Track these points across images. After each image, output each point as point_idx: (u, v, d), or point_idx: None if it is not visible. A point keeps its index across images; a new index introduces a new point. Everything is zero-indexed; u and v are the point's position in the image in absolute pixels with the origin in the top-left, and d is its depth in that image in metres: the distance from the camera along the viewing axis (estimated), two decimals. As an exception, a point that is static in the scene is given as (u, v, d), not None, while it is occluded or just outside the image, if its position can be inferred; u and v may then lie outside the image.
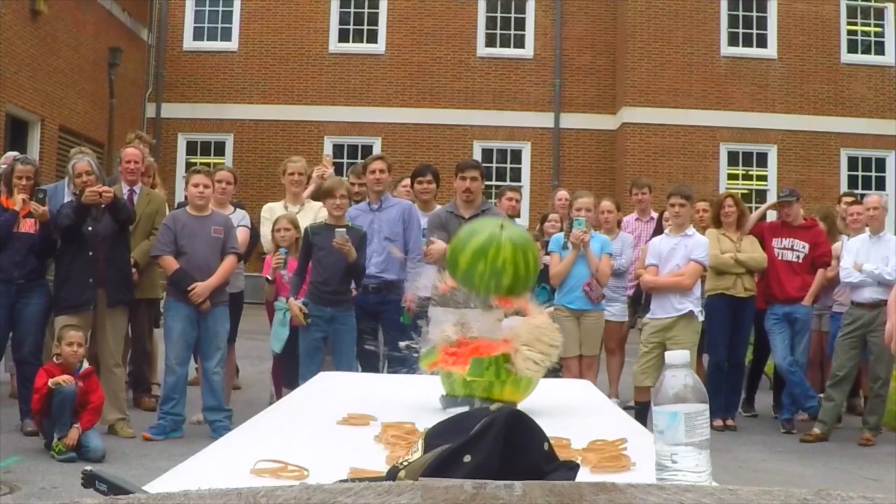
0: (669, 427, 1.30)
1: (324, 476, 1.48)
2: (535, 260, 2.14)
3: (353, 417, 2.17)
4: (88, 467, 1.42)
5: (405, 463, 1.30)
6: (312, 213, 6.97)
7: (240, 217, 7.05)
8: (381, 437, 1.94)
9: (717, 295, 7.35)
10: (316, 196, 7.25)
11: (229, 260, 6.31)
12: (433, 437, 1.34)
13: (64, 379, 5.49)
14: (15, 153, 7.29)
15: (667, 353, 1.37)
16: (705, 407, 1.32)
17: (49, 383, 5.44)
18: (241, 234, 6.78)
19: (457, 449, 1.23)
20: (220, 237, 6.30)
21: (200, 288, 6.12)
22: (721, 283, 7.36)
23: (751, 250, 7.45)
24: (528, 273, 2.10)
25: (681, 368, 1.33)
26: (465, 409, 2.25)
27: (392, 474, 1.29)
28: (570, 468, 1.37)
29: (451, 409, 2.31)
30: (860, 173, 17.25)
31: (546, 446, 1.34)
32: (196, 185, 6.26)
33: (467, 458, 1.21)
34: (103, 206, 6.09)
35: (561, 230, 7.25)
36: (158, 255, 6.30)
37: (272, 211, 7.09)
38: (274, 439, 1.92)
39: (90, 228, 6.13)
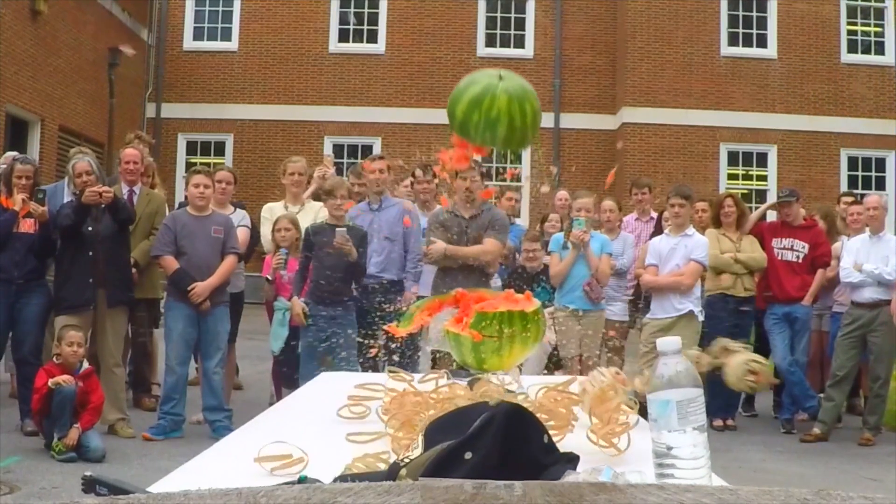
0: (662, 414, 1.30)
1: (326, 465, 1.48)
2: (535, 112, 2.04)
3: (360, 389, 2.20)
4: (88, 472, 1.42)
5: (406, 460, 1.30)
6: (313, 213, 6.98)
7: (240, 217, 7.05)
8: (386, 406, 1.96)
9: (717, 295, 7.36)
10: (317, 196, 7.25)
11: (229, 260, 6.31)
12: (433, 431, 1.34)
13: (64, 379, 5.49)
14: (14, 153, 7.29)
15: (658, 340, 1.36)
16: (699, 392, 1.31)
17: (49, 383, 5.44)
18: (242, 234, 6.78)
19: (458, 446, 1.23)
20: (220, 237, 6.30)
21: (200, 288, 6.12)
22: (721, 283, 7.36)
23: (750, 250, 7.45)
24: (525, 125, 2.05)
25: (672, 355, 1.32)
26: (468, 381, 2.27)
27: (393, 471, 1.29)
28: (570, 460, 1.37)
29: (455, 381, 2.32)
30: (860, 173, 17.25)
31: (546, 439, 1.34)
32: (196, 186, 6.26)
33: (468, 455, 1.21)
34: (103, 206, 6.09)
35: (561, 230, 7.25)
36: (159, 255, 6.31)
37: (272, 211, 7.10)
38: (276, 436, 1.93)
39: (90, 228, 6.13)
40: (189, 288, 6.11)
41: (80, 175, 6.22)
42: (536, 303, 2.35)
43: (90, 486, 1.39)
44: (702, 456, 1.29)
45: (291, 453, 1.59)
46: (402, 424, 1.79)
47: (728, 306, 7.34)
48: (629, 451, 1.76)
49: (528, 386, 2.26)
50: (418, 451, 1.31)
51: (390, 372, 2.21)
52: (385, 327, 2.50)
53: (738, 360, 2.27)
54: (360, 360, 6.19)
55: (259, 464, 1.58)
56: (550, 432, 1.44)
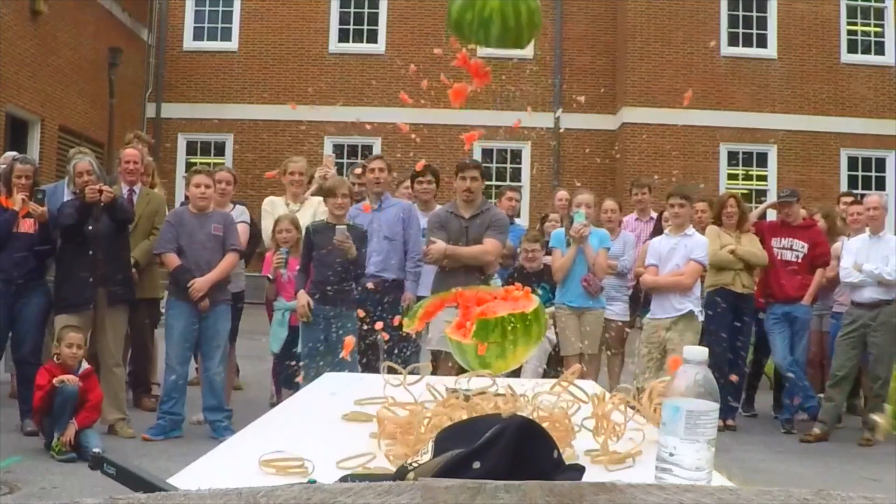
0: (671, 420, 1.30)
1: (329, 472, 1.48)
2: (531, 12, 1.97)
3: (357, 413, 2.19)
4: (97, 449, 1.43)
5: (414, 464, 1.30)
6: (312, 209, 7.00)
7: (239, 212, 7.07)
8: (381, 432, 1.94)
9: (716, 290, 7.31)
10: (317, 195, 7.26)
11: (229, 257, 6.31)
12: (443, 440, 1.34)
13: (68, 378, 5.49)
14: (14, 153, 7.29)
15: (685, 348, 1.37)
16: (713, 406, 1.31)
17: (54, 381, 5.44)
18: (241, 230, 6.77)
19: (467, 455, 1.23)
20: (220, 235, 6.29)
21: (199, 283, 6.11)
22: (720, 279, 7.33)
23: (750, 247, 7.44)
24: (520, 24, 2.03)
25: (695, 365, 1.33)
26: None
27: (401, 475, 1.29)
28: (576, 469, 1.37)
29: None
30: (860, 173, 17.25)
31: (555, 454, 1.33)
32: (198, 186, 6.26)
33: (477, 465, 1.21)
34: (102, 204, 6.07)
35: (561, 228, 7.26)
36: (161, 252, 6.31)
37: (273, 205, 7.13)
38: (280, 438, 1.92)
39: (90, 227, 6.13)
40: (189, 284, 6.11)
41: (81, 174, 6.21)
42: (536, 300, 2.36)
43: (98, 463, 1.39)
44: (703, 469, 1.29)
45: (297, 460, 1.58)
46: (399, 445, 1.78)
47: (728, 300, 7.30)
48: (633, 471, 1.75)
49: (529, 389, 2.26)
50: (427, 457, 1.30)
51: (388, 367, 2.20)
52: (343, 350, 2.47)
53: None
54: (362, 360, 6.19)
55: (264, 470, 1.58)
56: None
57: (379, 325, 3.11)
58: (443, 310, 2.47)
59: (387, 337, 4.15)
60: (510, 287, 2.44)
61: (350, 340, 2.91)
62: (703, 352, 1.34)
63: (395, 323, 2.74)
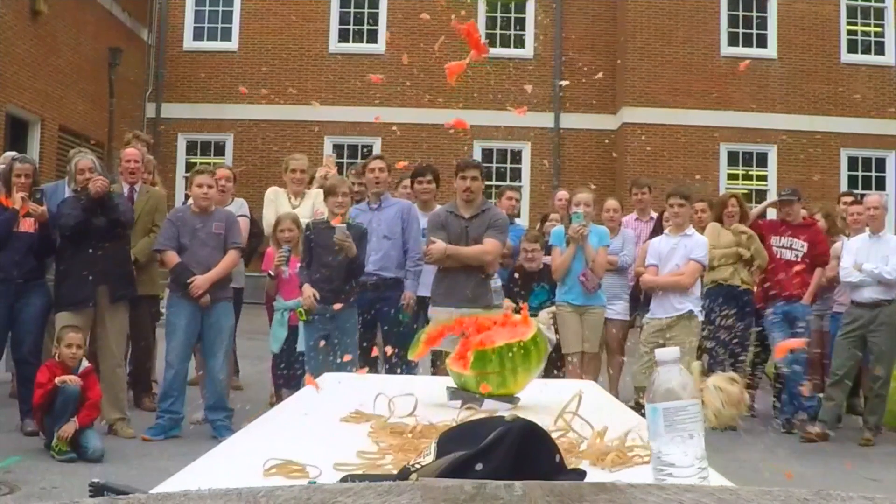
0: (652, 423, 1.32)
1: (333, 475, 1.47)
2: None
3: (359, 414, 2.18)
4: (96, 479, 1.43)
5: (417, 466, 1.30)
6: (311, 201, 7.04)
7: (238, 206, 7.08)
8: (376, 434, 1.94)
9: (714, 286, 7.29)
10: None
11: (231, 255, 6.31)
12: (446, 441, 1.34)
13: (71, 379, 5.49)
14: (13, 153, 7.29)
15: (657, 351, 1.38)
16: (689, 403, 1.32)
17: (56, 381, 5.43)
18: (241, 225, 6.78)
19: (470, 457, 1.23)
20: (222, 234, 6.29)
21: (200, 280, 6.11)
22: (719, 275, 7.31)
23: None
24: None
25: (667, 364, 1.34)
26: (469, 402, 2.26)
27: (404, 476, 1.29)
28: (578, 473, 1.38)
29: (455, 401, 2.32)
30: (860, 173, 17.25)
31: (557, 458, 1.34)
32: (200, 186, 6.26)
33: (479, 467, 1.22)
34: (99, 195, 6.04)
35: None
36: (161, 249, 6.31)
37: (277, 194, 7.17)
38: (279, 438, 1.92)
39: (91, 225, 6.12)
40: (189, 281, 6.10)
41: (83, 172, 6.21)
42: (534, 325, 2.37)
43: (98, 492, 1.39)
44: (692, 465, 1.30)
45: (300, 464, 1.58)
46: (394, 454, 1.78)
47: (728, 293, 7.26)
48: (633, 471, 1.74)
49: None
50: (430, 459, 1.30)
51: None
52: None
53: None
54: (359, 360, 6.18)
55: (267, 476, 1.58)
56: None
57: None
58: (444, 337, 2.48)
59: (366, 370, 4.15)
60: (508, 313, 2.45)
61: (310, 379, 2.87)
62: (673, 351, 1.36)
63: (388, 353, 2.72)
